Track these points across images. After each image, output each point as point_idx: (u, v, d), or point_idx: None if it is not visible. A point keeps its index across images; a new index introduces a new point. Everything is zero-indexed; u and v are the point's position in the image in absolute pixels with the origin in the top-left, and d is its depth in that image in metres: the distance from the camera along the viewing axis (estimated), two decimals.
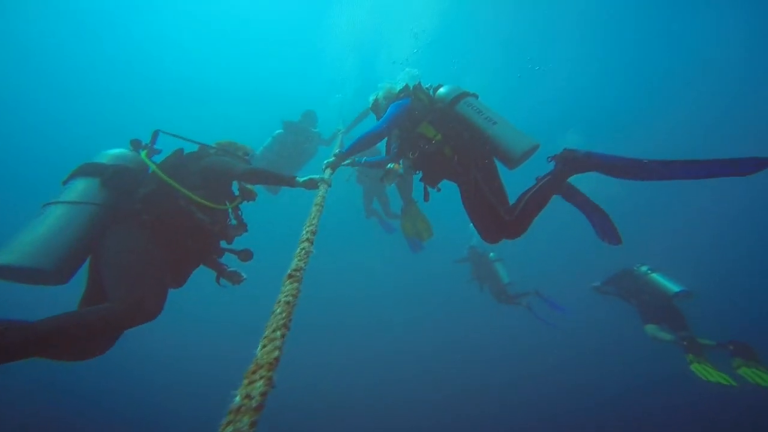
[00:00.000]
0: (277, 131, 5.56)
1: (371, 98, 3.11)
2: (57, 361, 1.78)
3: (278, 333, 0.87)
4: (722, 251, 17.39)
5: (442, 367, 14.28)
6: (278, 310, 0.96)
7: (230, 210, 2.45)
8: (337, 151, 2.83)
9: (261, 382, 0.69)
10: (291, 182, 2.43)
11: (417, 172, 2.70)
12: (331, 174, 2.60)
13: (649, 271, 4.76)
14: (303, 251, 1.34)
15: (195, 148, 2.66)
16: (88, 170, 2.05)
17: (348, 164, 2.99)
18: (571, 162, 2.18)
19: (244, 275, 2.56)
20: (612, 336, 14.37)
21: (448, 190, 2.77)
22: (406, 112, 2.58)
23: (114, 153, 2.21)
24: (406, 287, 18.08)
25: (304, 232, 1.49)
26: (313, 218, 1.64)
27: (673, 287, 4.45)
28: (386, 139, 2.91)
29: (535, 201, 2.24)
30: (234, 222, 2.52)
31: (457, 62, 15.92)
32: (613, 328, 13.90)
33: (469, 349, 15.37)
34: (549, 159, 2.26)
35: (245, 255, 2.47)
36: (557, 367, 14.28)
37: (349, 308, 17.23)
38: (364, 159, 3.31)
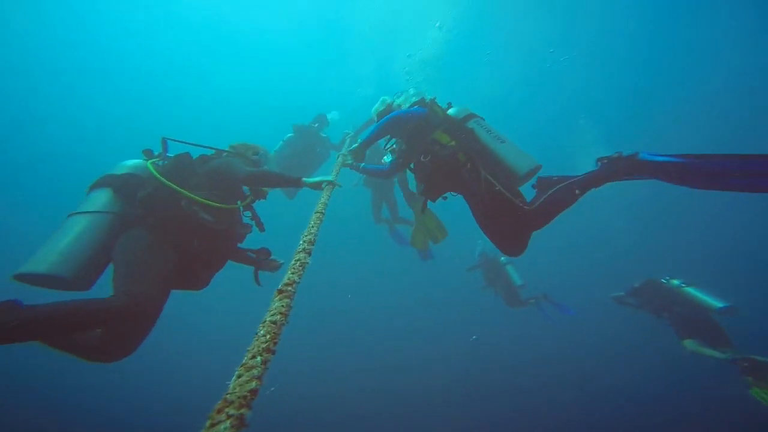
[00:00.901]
0: (288, 135, 5.57)
1: (387, 100, 3.21)
2: (79, 358, 1.84)
3: (258, 359, 0.78)
4: (745, 258, 16.60)
5: (452, 375, 14.08)
6: (261, 332, 0.87)
7: (241, 209, 2.47)
8: (356, 141, 2.88)
9: (227, 423, 0.59)
10: (297, 183, 2.44)
11: (420, 184, 2.72)
12: (336, 175, 2.65)
13: (682, 285, 4.49)
14: (298, 263, 1.25)
15: (210, 153, 2.70)
16: (104, 181, 2.18)
17: (349, 165, 3.16)
18: (617, 163, 2.12)
19: (281, 260, 2.58)
20: (623, 341, 14.13)
21: (454, 201, 2.75)
22: (423, 118, 2.70)
23: (129, 164, 2.34)
24: (415, 295, 17.84)
25: (301, 242, 1.40)
26: (313, 227, 1.55)
27: (715, 303, 4.17)
28: (396, 147, 3.01)
29: (564, 193, 2.18)
30: (252, 221, 2.55)
31: (488, 53, 15.85)
32: (623, 334, 13.69)
33: (480, 357, 15.10)
34: (598, 160, 2.22)
35: (263, 254, 2.49)
36: (570, 372, 13.97)
37: (355, 316, 17.03)
38: (362, 165, 3.36)
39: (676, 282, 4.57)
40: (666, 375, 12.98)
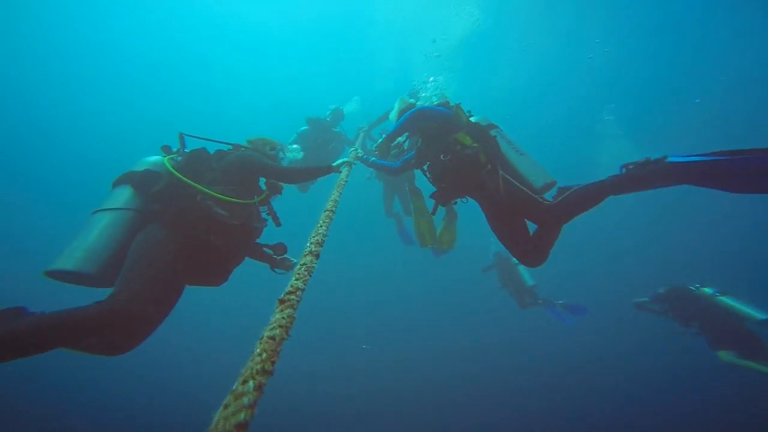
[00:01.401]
0: (302, 128, 5.50)
1: (408, 99, 3.25)
2: (86, 353, 1.84)
3: (250, 385, 0.67)
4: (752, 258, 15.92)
5: (456, 373, 13.97)
6: (257, 350, 0.76)
7: (257, 204, 2.48)
8: (370, 136, 2.98)
9: None
10: (328, 170, 2.62)
11: (434, 184, 2.72)
12: (354, 157, 2.85)
13: (716, 294, 4.23)
14: (304, 268, 1.15)
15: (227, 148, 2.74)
16: (125, 178, 2.21)
17: (360, 158, 3.30)
18: (644, 168, 1.95)
19: (294, 260, 2.62)
20: (623, 342, 14.11)
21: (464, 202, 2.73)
22: (448, 118, 2.70)
23: (148, 160, 2.36)
24: (416, 293, 17.65)
25: (308, 243, 1.29)
26: (321, 226, 1.45)
27: (756, 314, 3.92)
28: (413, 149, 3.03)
29: (587, 192, 2.10)
30: (267, 216, 2.57)
31: (529, 43, 15.54)
32: (623, 335, 13.76)
33: (482, 356, 14.93)
34: (623, 166, 2.07)
35: (279, 249, 2.51)
36: (571, 372, 13.83)
37: (356, 315, 16.89)
38: (372, 159, 3.44)
39: (708, 290, 4.30)
40: (665, 376, 12.91)
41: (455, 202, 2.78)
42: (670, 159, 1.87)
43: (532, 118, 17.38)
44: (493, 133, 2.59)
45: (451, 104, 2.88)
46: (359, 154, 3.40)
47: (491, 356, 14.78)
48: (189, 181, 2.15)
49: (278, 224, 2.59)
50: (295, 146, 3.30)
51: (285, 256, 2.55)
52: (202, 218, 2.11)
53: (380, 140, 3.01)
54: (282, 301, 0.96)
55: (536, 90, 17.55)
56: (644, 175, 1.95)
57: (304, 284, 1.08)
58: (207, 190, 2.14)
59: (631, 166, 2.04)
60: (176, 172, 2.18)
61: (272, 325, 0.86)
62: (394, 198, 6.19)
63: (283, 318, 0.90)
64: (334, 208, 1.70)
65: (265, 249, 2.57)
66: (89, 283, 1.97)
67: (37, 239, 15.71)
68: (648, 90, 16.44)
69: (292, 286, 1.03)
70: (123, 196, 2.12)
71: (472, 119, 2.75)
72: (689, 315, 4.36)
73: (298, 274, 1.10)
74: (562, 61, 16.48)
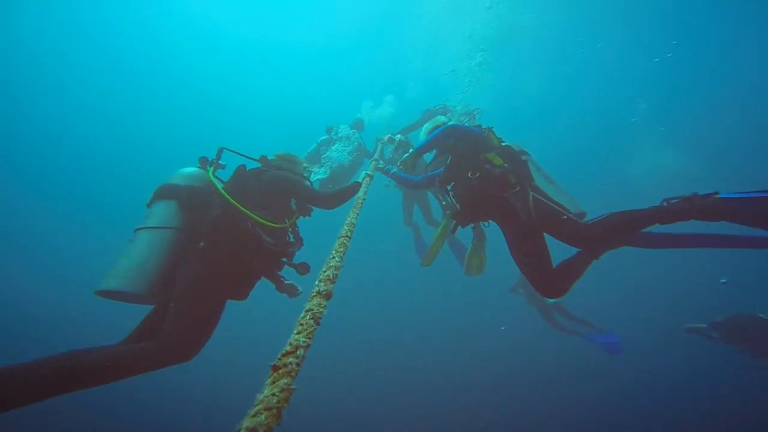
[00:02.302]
0: (322, 137, 5.42)
1: (440, 119, 3.26)
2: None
3: None
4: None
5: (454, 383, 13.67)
6: None
7: (287, 226, 2.52)
8: (410, 150, 3.14)
9: None
10: (358, 188, 2.69)
11: (457, 203, 2.66)
12: (374, 168, 2.90)
13: None
14: (310, 316, 0.90)
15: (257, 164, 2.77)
16: (165, 193, 2.20)
17: (381, 168, 3.30)
18: (688, 203, 1.74)
19: (300, 289, 2.59)
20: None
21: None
22: (479, 139, 2.67)
23: (186, 173, 2.35)
24: (425, 299, 17.27)
25: (317, 281, 1.05)
26: (334, 257, 1.22)
27: None
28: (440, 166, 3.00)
29: (626, 218, 1.92)
30: (291, 238, 2.59)
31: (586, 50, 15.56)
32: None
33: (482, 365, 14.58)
34: (664, 200, 1.86)
35: (303, 269, 2.49)
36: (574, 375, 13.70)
37: (358, 321, 16.56)
38: (393, 170, 3.44)
39: None
40: (660, 382, 12.99)
41: (475, 225, 2.71)
42: (722, 195, 1.65)
43: (562, 117, 17.06)
44: (524, 158, 2.58)
45: (484, 127, 2.87)
46: (380, 166, 3.40)
47: (514, 362, 14.62)
48: (243, 209, 2.15)
49: (302, 245, 2.60)
50: (320, 169, 3.34)
51: (292, 282, 2.49)
52: (251, 244, 2.13)
53: (406, 157, 2.95)
54: (275, 368, 0.72)
55: (567, 87, 17.26)
56: (689, 212, 1.72)
57: (309, 339, 0.83)
58: (257, 218, 2.16)
59: (674, 200, 1.81)
60: (232, 199, 2.16)
61: (256, 409, 0.61)
62: (414, 207, 6.06)
63: (274, 395, 0.65)
64: (349, 234, 1.48)
65: (287, 267, 2.54)
66: (138, 301, 2.02)
67: (39, 242, 16.19)
68: (681, 86, 15.82)
69: (291, 344, 0.79)
70: (168, 213, 2.13)
71: (503, 143, 2.74)
72: (765, 347, 3.83)
73: (302, 325, 0.86)
74: (593, 59, 16.16)
